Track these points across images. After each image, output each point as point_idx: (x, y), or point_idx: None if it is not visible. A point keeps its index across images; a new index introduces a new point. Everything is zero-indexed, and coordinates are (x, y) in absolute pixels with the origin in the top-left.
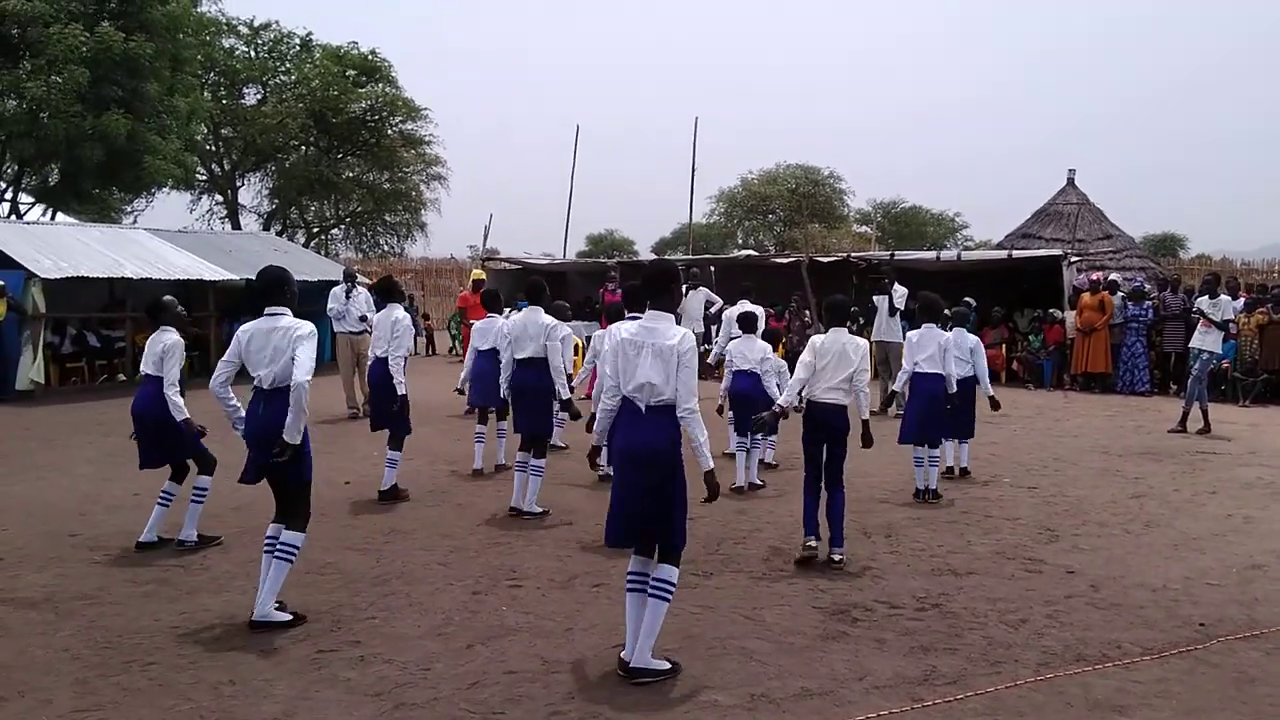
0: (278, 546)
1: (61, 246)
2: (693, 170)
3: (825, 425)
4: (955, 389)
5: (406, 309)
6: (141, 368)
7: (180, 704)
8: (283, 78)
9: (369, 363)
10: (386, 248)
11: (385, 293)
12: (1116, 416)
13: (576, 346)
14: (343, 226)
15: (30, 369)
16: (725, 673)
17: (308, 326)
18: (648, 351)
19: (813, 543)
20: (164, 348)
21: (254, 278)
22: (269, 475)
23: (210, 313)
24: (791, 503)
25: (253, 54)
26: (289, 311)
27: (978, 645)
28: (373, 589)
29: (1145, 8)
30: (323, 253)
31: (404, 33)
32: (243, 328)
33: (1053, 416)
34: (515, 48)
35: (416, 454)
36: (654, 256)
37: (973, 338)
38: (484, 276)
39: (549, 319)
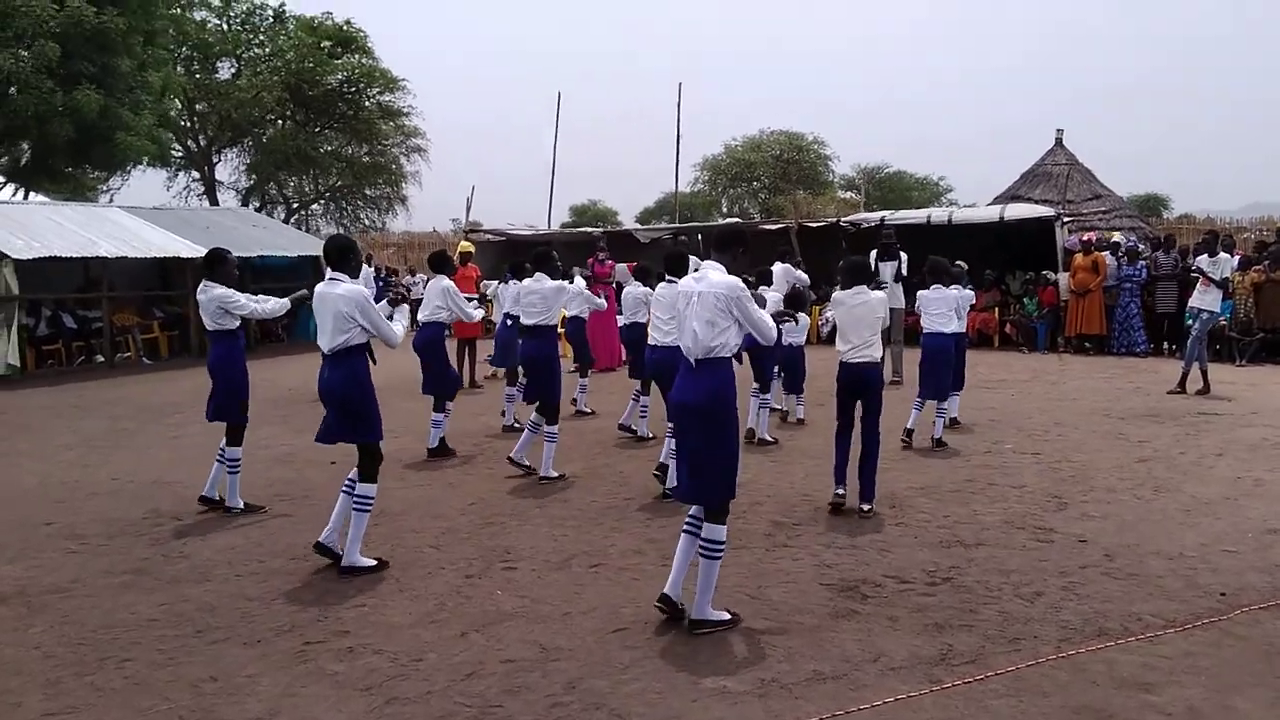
0: (356, 498)
1: (34, 226)
2: (678, 137)
3: (858, 385)
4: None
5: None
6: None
7: (158, 704)
8: (256, 50)
9: (415, 331)
10: (367, 222)
11: (437, 266)
12: (1114, 378)
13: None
14: (322, 201)
15: (6, 352)
16: (733, 657)
17: (360, 293)
18: (694, 301)
19: (841, 491)
20: (219, 296)
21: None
22: (338, 438)
23: (189, 291)
24: (793, 475)
25: (225, 27)
26: (348, 278)
27: (993, 620)
28: (361, 575)
29: None
30: (303, 228)
31: (380, 2)
32: (317, 288)
33: (1049, 380)
34: (497, 18)
35: (404, 430)
36: (637, 226)
37: (968, 292)
38: (471, 249)
39: (552, 282)
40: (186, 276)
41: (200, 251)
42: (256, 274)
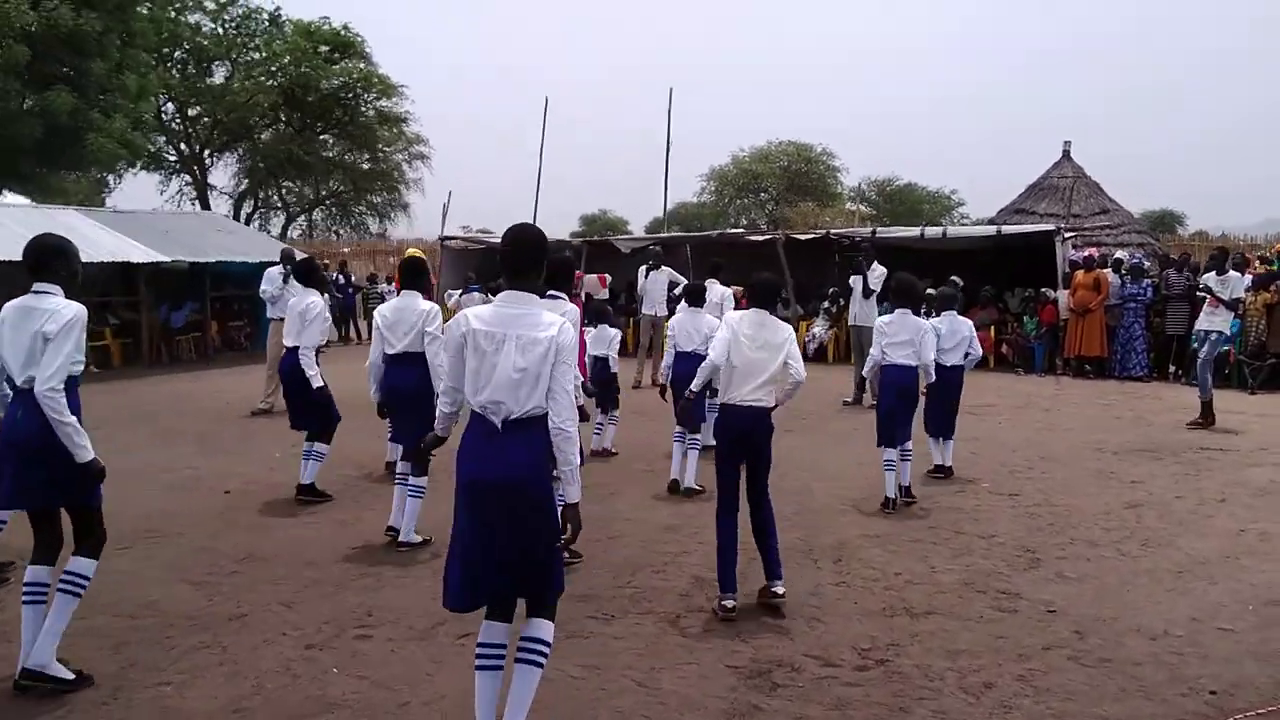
0: (65, 576)
1: None
2: (668, 144)
3: (745, 435)
4: (932, 378)
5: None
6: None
7: None
8: (252, 55)
9: (282, 354)
10: (372, 229)
11: (304, 276)
12: (1113, 405)
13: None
14: (323, 208)
15: None
16: None
17: (71, 313)
18: (510, 347)
19: (729, 603)
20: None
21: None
22: (32, 502)
23: (141, 297)
24: None
25: (220, 30)
26: (60, 290)
27: None
28: (186, 638)
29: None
30: (310, 234)
31: (378, 7)
32: (5, 306)
33: (1042, 406)
34: (503, 39)
35: (342, 460)
36: (643, 234)
37: (965, 321)
38: (421, 255)
39: (425, 304)
40: (139, 282)
41: (154, 256)
42: (216, 279)
